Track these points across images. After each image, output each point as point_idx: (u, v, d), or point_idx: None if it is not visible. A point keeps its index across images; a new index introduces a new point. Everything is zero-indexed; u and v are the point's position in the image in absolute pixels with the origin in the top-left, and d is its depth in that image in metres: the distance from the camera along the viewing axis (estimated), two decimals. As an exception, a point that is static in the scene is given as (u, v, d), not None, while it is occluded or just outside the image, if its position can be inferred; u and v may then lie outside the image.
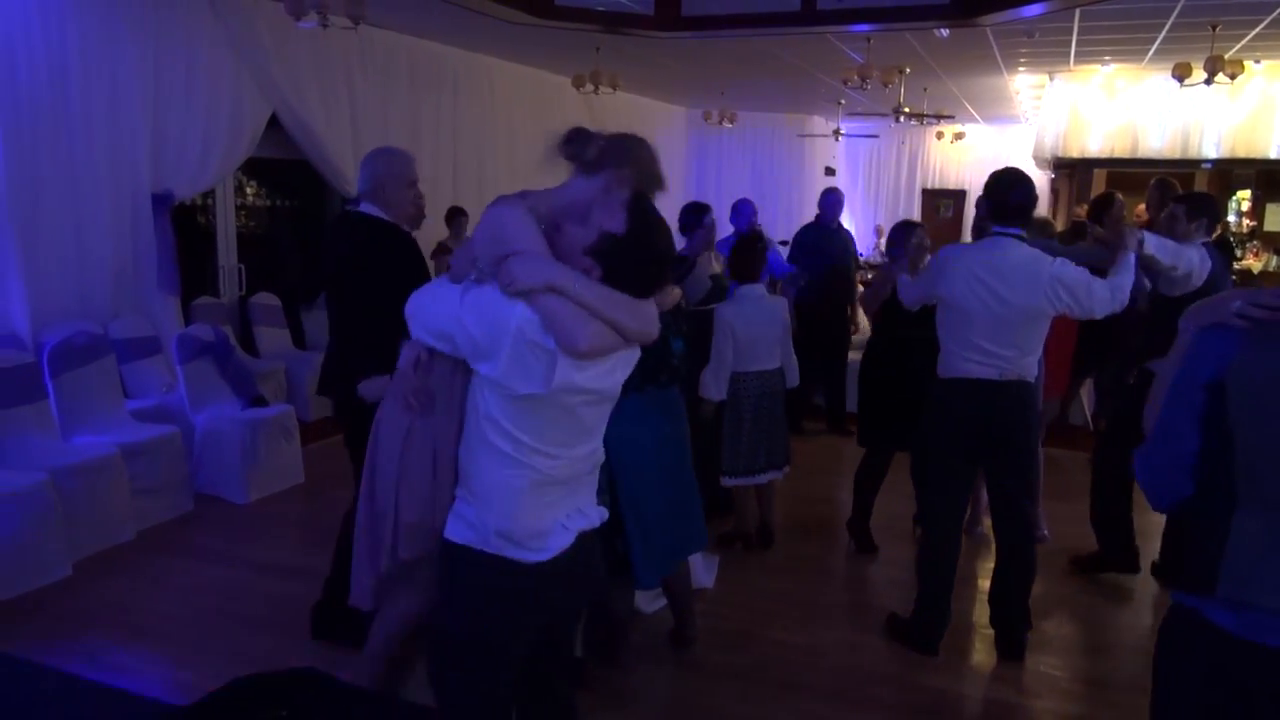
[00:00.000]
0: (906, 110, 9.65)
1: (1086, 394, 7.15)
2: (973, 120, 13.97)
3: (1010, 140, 14.85)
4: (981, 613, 3.99)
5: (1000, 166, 12.64)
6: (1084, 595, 4.29)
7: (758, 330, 4.37)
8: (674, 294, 3.29)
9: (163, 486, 4.91)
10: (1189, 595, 1.64)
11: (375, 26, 7.24)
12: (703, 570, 4.21)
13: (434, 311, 1.84)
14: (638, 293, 1.84)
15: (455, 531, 1.92)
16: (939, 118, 11.22)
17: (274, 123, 6.67)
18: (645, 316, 1.86)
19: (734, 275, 4.49)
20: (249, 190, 7.45)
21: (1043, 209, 12.16)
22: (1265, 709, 1.54)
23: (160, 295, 5.90)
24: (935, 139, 14.65)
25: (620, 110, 11.29)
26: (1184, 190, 7.27)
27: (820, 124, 14.67)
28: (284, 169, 7.53)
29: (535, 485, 1.86)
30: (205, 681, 3.29)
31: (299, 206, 8.13)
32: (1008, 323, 3.35)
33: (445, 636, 1.94)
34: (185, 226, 6.57)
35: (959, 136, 14.32)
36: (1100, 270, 3.61)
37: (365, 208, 3.31)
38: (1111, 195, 6.86)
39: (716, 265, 5.58)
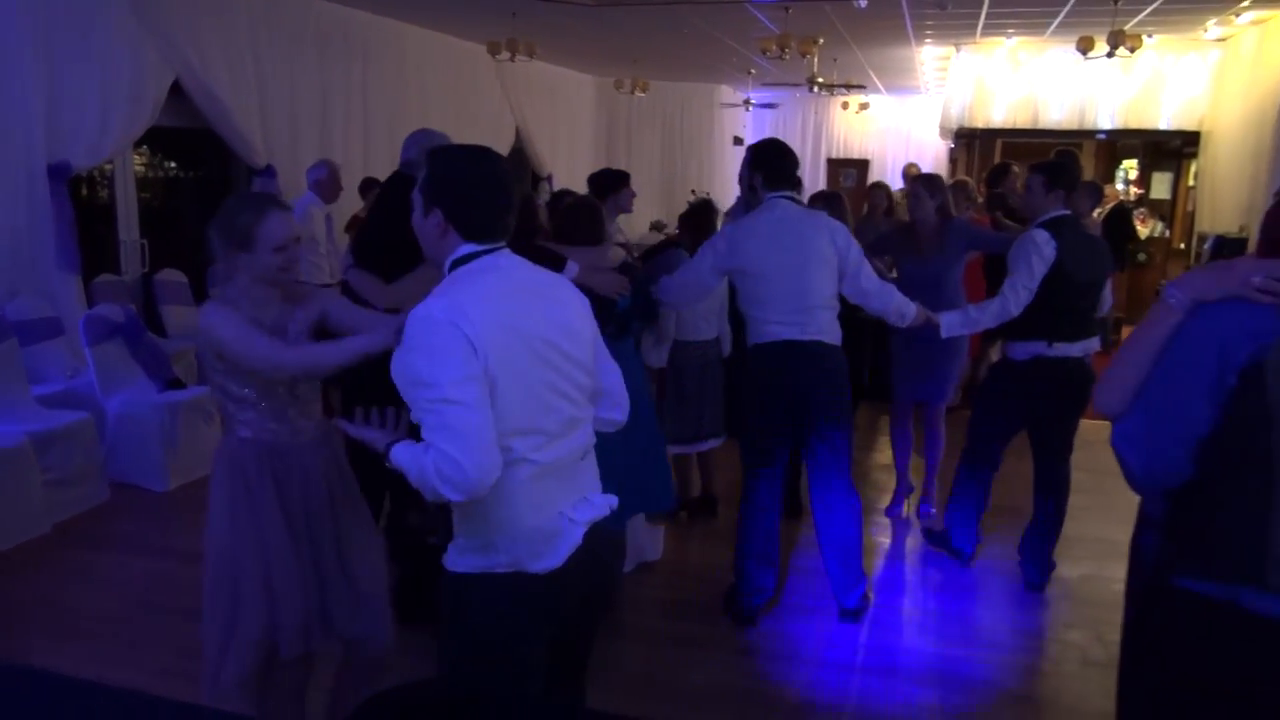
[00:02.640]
0: (820, 80, 9.76)
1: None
2: (876, 91, 14.24)
3: (910, 110, 15.21)
4: (908, 582, 4.11)
5: (901, 136, 12.91)
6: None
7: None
8: (617, 253, 3.50)
9: (77, 476, 4.65)
10: (1219, 585, 1.56)
11: (282, -12, 6.91)
12: (648, 542, 4.23)
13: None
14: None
15: (459, 562, 1.85)
16: (849, 87, 11.39)
17: (176, 90, 6.33)
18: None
19: (687, 246, 4.50)
20: (138, 160, 7.04)
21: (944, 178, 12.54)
22: None
23: (60, 274, 5.56)
24: (840, 109, 14.89)
25: (531, 79, 11.11)
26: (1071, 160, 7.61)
27: (729, 93, 14.73)
28: (187, 138, 7.15)
29: (525, 479, 1.80)
30: (146, 680, 3.15)
31: (203, 177, 7.75)
32: (802, 272, 3.47)
33: (460, 668, 1.86)
34: (81, 200, 6.20)
35: (864, 107, 14.59)
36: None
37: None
38: (1006, 166, 7.11)
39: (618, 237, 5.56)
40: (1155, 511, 1.69)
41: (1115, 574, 4.22)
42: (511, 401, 1.76)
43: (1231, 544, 1.55)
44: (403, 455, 1.77)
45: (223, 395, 2.40)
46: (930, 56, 10.67)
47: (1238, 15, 7.77)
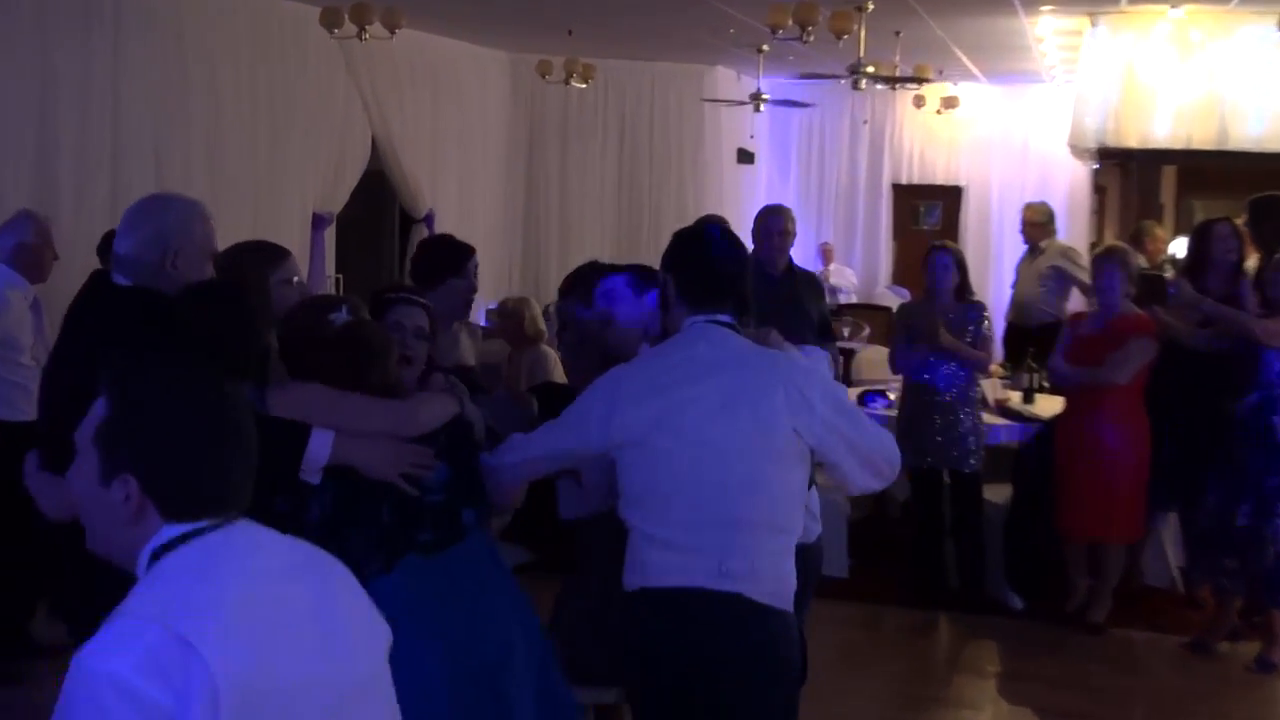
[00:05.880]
0: (870, 70, 9.94)
1: (1170, 538, 7.40)
2: (971, 78, 14.58)
3: (1027, 109, 15.56)
4: None
5: (1014, 150, 13.42)
6: None
7: None
8: (444, 405, 3.50)
9: None
10: None
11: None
12: None
13: None
14: None
15: None
16: (919, 80, 11.62)
17: None
18: None
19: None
20: None
21: (1082, 220, 12.74)
22: None
23: None
24: (912, 107, 15.17)
25: (399, 58, 11.21)
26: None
27: (729, 81, 15.00)
28: None
29: None
30: None
31: None
32: (727, 458, 3.24)
33: None
34: None
35: (949, 104, 14.90)
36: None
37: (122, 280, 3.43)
38: (1218, 225, 7.16)
39: (469, 349, 5.68)
40: None
41: None
42: None
43: None
44: None
45: None
46: (1051, 30, 10.95)
47: None
